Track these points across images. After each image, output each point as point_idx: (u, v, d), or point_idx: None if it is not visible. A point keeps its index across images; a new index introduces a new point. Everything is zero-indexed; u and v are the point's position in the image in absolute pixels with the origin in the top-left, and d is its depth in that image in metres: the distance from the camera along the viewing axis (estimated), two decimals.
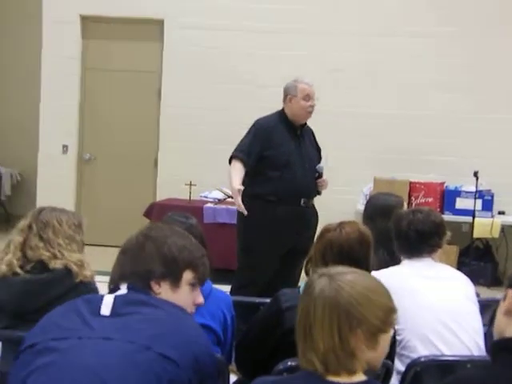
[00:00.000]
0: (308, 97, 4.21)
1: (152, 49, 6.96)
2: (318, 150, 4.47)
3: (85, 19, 6.97)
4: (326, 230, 2.40)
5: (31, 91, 7.48)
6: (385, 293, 1.57)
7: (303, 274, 2.79)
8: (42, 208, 2.59)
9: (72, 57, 6.96)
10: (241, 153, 4.16)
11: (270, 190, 4.15)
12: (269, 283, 4.09)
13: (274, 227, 4.12)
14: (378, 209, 3.33)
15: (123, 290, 1.77)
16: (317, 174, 4.22)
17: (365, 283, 1.56)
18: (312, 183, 4.22)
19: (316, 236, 2.52)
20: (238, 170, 4.13)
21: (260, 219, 4.14)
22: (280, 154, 4.14)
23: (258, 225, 4.15)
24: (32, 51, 7.44)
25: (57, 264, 2.42)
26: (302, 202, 4.18)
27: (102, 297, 1.74)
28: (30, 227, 2.49)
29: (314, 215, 4.30)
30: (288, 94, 4.24)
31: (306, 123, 4.36)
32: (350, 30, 6.57)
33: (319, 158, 4.43)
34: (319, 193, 4.36)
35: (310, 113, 4.26)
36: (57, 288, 2.39)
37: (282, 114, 4.27)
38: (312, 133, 4.46)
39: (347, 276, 1.56)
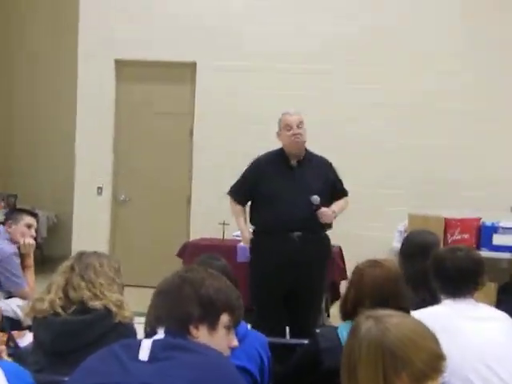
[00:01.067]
0: (289, 126, 4.16)
1: (184, 91, 7.06)
2: (330, 182, 4.27)
3: (119, 63, 7.13)
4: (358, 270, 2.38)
5: (67, 133, 7.63)
6: (432, 338, 1.55)
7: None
8: (84, 252, 2.63)
9: (106, 100, 7.10)
10: (231, 191, 4.40)
11: (261, 224, 4.19)
12: (278, 326, 4.00)
13: (268, 262, 4.08)
14: (417, 247, 3.28)
15: (160, 334, 1.75)
16: (314, 207, 4.06)
17: (411, 326, 1.54)
18: (306, 216, 4.04)
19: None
20: (237, 212, 4.34)
21: (255, 253, 4.20)
22: (269, 189, 4.13)
23: (254, 259, 4.18)
24: (68, 93, 7.61)
25: (96, 304, 2.44)
26: (295, 235, 4.06)
27: (140, 341, 1.72)
28: (72, 268, 2.53)
29: (317, 249, 4.13)
30: (277, 131, 4.28)
31: (307, 155, 4.25)
32: (378, 62, 6.59)
33: (331, 191, 4.25)
34: (327, 225, 4.17)
35: (296, 141, 4.15)
36: (96, 329, 2.41)
37: (282, 149, 4.28)
38: (322, 165, 4.31)
39: (394, 319, 1.55)
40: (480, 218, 6.26)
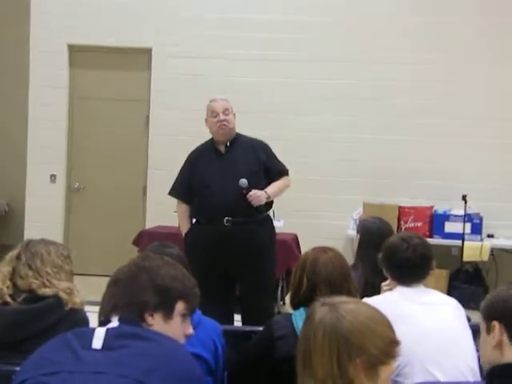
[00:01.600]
0: (215, 113, 4.15)
1: (140, 77, 6.98)
2: (261, 163, 4.19)
3: (72, 48, 7.00)
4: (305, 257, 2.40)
5: (19, 120, 7.47)
6: (386, 323, 1.56)
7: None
8: (31, 240, 2.59)
9: (60, 86, 6.97)
10: (173, 191, 4.39)
11: (196, 214, 4.21)
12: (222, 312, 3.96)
13: (199, 248, 4.08)
14: (373, 239, 3.32)
15: (115, 322, 1.74)
16: (244, 190, 4.00)
17: (366, 313, 1.55)
18: (236, 200, 4.01)
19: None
20: (181, 214, 4.33)
21: (189, 242, 4.18)
22: (200, 178, 4.15)
23: (188, 248, 4.13)
24: (19, 80, 7.45)
25: (46, 291, 2.41)
26: (225, 220, 4.03)
27: (94, 330, 1.70)
28: (18, 257, 2.49)
29: (253, 232, 4.06)
30: (205, 117, 4.27)
31: (236, 139, 4.22)
32: (338, 56, 6.63)
33: (266, 172, 4.19)
34: (258, 209, 4.07)
35: (222, 127, 4.14)
36: (48, 317, 2.37)
37: (212, 138, 4.28)
38: (253, 146, 4.24)
39: (349, 305, 1.55)
40: (432, 207, 6.38)
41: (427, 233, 6.20)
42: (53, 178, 7.01)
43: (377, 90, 6.60)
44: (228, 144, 4.22)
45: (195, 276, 4.08)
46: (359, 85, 6.61)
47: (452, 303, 2.69)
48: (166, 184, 6.78)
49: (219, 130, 4.17)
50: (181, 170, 4.37)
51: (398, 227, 6.15)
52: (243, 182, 4.01)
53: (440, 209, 6.36)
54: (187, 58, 6.79)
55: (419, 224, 6.23)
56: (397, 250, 2.71)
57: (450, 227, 6.21)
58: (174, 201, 6.42)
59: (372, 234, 3.39)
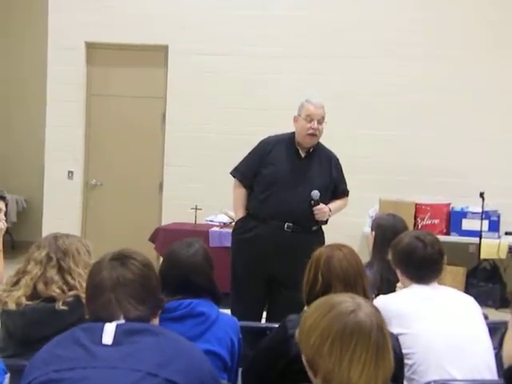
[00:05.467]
0: (309, 118, 3.98)
1: (156, 74, 7.01)
2: (335, 179, 4.14)
3: (90, 46, 7.04)
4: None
5: (37, 118, 7.53)
6: None
7: None
8: (57, 235, 2.54)
9: (77, 83, 7.02)
10: (237, 172, 4.17)
11: (256, 208, 4.04)
12: (255, 312, 3.95)
13: (253, 247, 3.97)
14: (388, 236, 3.28)
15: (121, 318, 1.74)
16: (313, 202, 3.92)
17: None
18: (302, 209, 3.93)
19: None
20: (238, 197, 4.12)
21: (243, 237, 4.05)
22: (271, 172, 4.01)
23: (240, 242, 4.05)
24: (37, 78, 7.51)
25: (66, 299, 2.37)
26: (286, 226, 3.93)
27: (102, 325, 1.71)
28: (48, 257, 2.45)
29: (308, 241, 3.67)
30: (297, 113, 4.11)
31: (317, 147, 4.10)
32: (353, 53, 6.61)
33: (333, 189, 4.12)
34: (322, 222, 4.05)
35: (311, 136, 3.99)
36: (68, 317, 2.34)
37: (292, 134, 4.13)
38: (329, 160, 4.14)
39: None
40: (450, 204, 6.34)
41: (444, 230, 6.17)
42: (70, 174, 7.06)
43: (391, 86, 6.57)
44: (310, 150, 4.08)
45: (235, 272, 3.94)
46: (373, 81, 6.58)
47: (467, 301, 2.68)
48: (182, 181, 6.88)
49: (307, 137, 4.01)
50: (250, 153, 4.16)
51: (415, 224, 6.12)
52: (316, 194, 3.93)
53: (457, 206, 6.32)
54: (204, 55, 6.79)
55: (436, 221, 6.20)
56: (415, 250, 2.69)
57: (467, 224, 6.17)
58: (190, 198, 6.50)
59: (386, 231, 3.37)
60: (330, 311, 1.54)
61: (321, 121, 4.03)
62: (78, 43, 6.97)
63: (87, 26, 6.92)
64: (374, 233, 3.53)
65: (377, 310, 1.58)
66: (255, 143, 4.25)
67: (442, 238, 5.74)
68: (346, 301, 1.57)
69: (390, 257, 2.85)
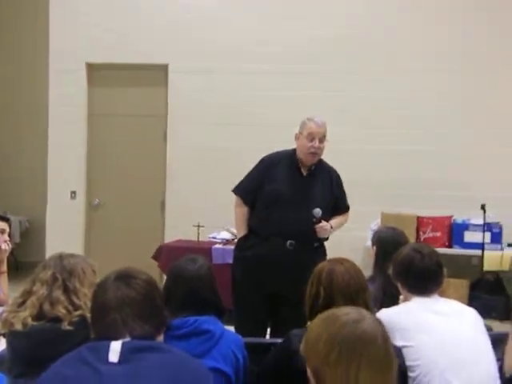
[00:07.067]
0: (311, 136, 3.98)
1: (157, 93, 7.06)
2: (336, 195, 4.17)
3: (90, 67, 7.10)
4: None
5: (39, 138, 7.57)
6: None
7: None
8: (61, 254, 2.55)
9: (79, 104, 7.07)
10: (238, 189, 4.18)
11: (258, 226, 4.05)
12: (259, 329, 3.92)
13: (255, 264, 3.98)
14: (389, 249, 3.28)
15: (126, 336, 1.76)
16: (314, 219, 3.93)
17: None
18: (304, 226, 3.93)
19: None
20: (240, 215, 4.12)
21: (244, 255, 4.06)
22: (272, 190, 4.01)
23: (242, 259, 4.06)
24: (40, 99, 7.56)
25: (72, 318, 2.38)
26: (288, 243, 3.94)
27: (109, 344, 1.72)
28: (54, 278, 2.46)
29: (309, 258, 3.67)
30: (298, 130, 4.11)
31: (318, 164, 4.11)
32: (352, 69, 6.65)
33: (334, 205, 4.14)
34: (323, 238, 4.07)
35: (313, 154, 4.01)
36: (75, 337, 2.32)
37: (293, 151, 4.13)
38: (330, 177, 4.17)
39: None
40: (451, 216, 6.34)
41: (446, 243, 6.17)
42: (73, 194, 7.09)
43: (391, 100, 6.60)
44: (312, 167, 4.09)
45: (237, 289, 3.94)
46: (373, 95, 6.62)
47: (470, 312, 2.69)
48: (184, 198, 6.90)
49: (309, 155, 4.02)
50: (252, 171, 4.18)
51: (417, 237, 6.13)
52: (317, 211, 3.94)
53: (459, 218, 6.33)
54: (203, 73, 6.84)
55: (438, 234, 6.20)
56: (413, 262, 2.71)
57: (469, 237, 6.17)
58: (192, 215, 6.51)
59: (387, 245, 3.38)
60: (336, 321, 1.56)
61: (322, 139, 4.03)
62: (79, 64, 7.03)
63: (88, 47, 6.99)
64: (375, 247, 3.54)
65: (380, 322, 1.60)
66: (257, 160, 4.26)
67: (445, 250, 5.76)
68: (350, 312, 1.60)
69: (390, 271, 2.86)
